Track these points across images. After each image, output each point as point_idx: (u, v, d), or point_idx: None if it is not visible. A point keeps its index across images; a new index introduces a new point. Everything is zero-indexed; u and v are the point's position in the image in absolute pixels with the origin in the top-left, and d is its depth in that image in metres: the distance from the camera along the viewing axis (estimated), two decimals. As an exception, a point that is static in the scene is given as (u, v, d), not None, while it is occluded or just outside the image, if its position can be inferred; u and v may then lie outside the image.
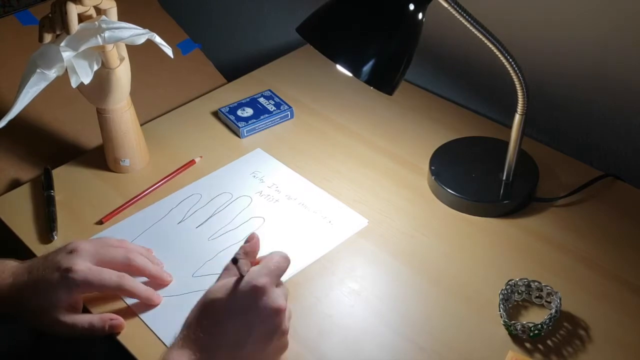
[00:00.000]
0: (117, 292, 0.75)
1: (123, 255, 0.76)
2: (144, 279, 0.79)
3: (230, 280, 0.67)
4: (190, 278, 0.81)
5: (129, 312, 0.77)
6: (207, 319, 0.65)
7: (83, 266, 0.72)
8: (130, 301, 0.77)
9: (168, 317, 0.76)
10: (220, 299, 0.65)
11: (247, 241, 0.72)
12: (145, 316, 0.76)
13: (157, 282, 0.79)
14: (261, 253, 0.84)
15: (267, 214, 0.90)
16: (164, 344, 0.73)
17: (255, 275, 0.66)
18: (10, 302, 0.72)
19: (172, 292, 0.79)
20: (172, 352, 0.64)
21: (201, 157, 0.97)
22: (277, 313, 0.65)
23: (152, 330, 0.75)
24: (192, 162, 0.96)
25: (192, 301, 0.74)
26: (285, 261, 0.69)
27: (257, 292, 0.65)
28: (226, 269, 0.70)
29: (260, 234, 0.86)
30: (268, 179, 0.95)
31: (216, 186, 0.94)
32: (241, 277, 0.66)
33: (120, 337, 0.74)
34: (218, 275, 0.78)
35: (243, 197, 0.93)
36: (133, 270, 0.77)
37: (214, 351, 0.63)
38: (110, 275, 0.73)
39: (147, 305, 0.77)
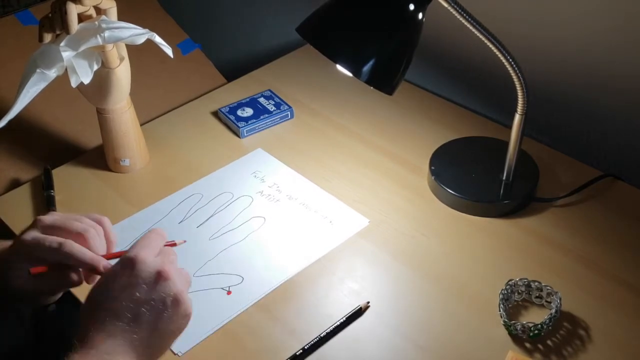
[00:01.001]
0: (58, 257, 0.70)
1: (82, 228, 0.72)
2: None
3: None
4: (191, 278, 0.81)
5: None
6: (96, 309, 0.63)
7: (28, 236, 0.70)
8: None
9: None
10: (100, 285, 0.65)
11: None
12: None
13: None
14: (262, 253, 0.85)
15: (268, 213, 0.90)
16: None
17: (125, 253, 0.66)
18: None
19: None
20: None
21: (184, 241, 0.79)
22: (159, 276, 0.64)
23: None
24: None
25: (193, 301, 0.74)
26: (155, 233, 0.69)
27: (129, 262, 0.64)
28: None
29: (261, 234, 0.87)
30: (269, 178, 0.95)
31: (217, 186, 0.94)
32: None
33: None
34: (219, 275, 0.79)
35: (244, 197, 0.93)
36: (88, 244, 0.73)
37: (116, 335, 0.62)
38: (51, 242, 0.70)
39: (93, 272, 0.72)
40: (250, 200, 0.92)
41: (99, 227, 0.74)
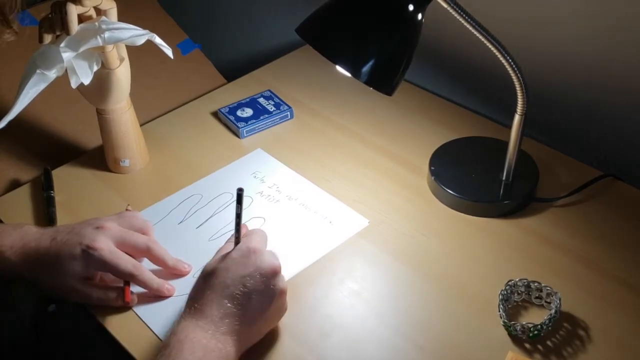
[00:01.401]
0: (129, 279, 0.76)
1: (144, 243, 0.78)
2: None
3: (223, 252, 0.72)
4: (190, 278, 0.81)
5: (130, 314, 0.77)
6: (209, 288, 0.68)
7: (104, 245, 0.74)
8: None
9: (170, 318, 0.76)
10: (218, 267, 0.69)
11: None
12: (147, 317, 0.76)
13: (174, 273, 0.81)
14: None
15: (268, 214, 0.90)
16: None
17: (246, 240, 0.72)
18: (30, 267, 0.75)
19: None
20: (183, 324, 0.66)
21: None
22: (274, 272, 0.70)
23: (153, 332, 0.75)
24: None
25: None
26: (263, 231, 0.76)
27: (252, 253, 0.70)
28: (219, 250, 0.74)
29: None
30: (269, 179, 0.95)
31: (216, 186, 0.94)
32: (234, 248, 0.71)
33: (120, 338, 0.74)
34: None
35: (244, 197, 0.92)
36: (152, 258, 0.79)
37: (222, 316, 0.67)
38: (126, 263, 0.75)
39: (155, 297, 0.78)
40: (250, 201, 0.92)
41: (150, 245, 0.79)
